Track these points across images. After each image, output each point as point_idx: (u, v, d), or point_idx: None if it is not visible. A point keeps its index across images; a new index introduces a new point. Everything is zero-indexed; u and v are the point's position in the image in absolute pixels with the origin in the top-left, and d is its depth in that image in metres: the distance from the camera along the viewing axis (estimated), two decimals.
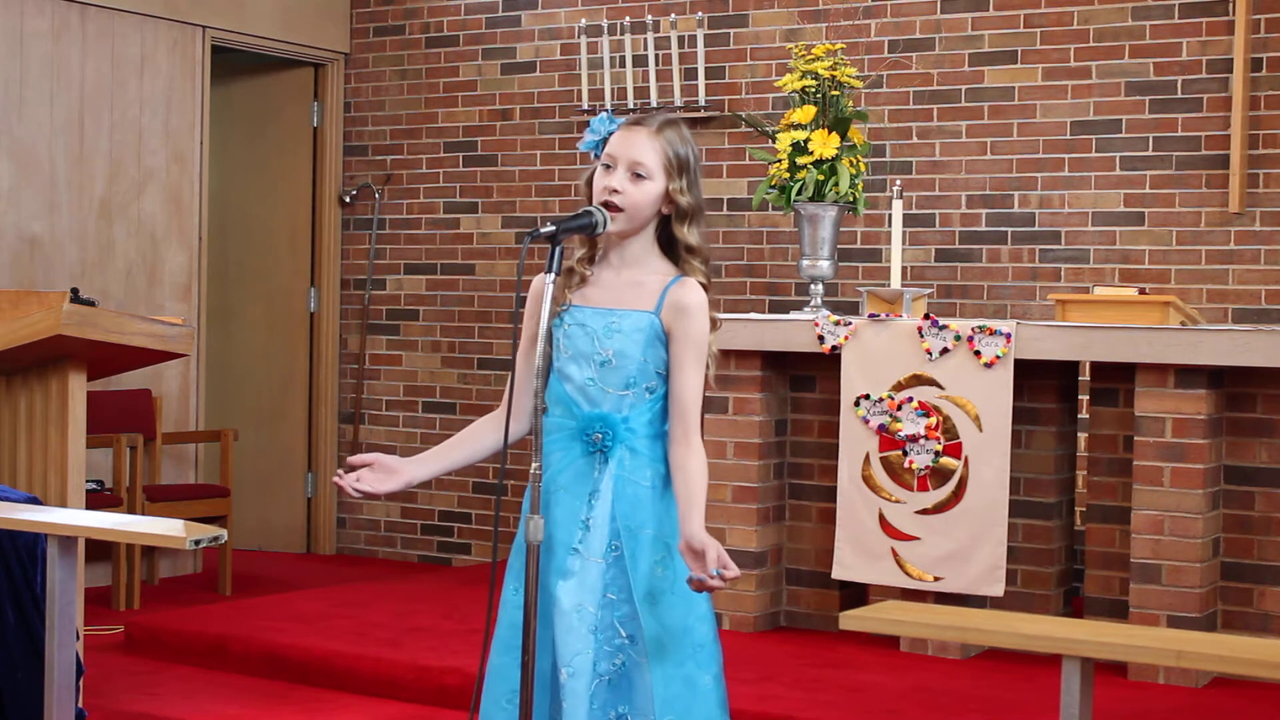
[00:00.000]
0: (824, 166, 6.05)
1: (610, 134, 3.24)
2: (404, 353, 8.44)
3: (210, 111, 8.02)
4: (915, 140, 7.12)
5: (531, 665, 2.97)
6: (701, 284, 3.20)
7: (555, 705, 3.13)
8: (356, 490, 3.17)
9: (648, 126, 3.20)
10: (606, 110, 3.30)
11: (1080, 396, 6.16)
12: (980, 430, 5.60)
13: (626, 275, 3.21)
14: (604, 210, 3.17)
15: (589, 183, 3.23)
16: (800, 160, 6.07)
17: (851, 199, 6.12)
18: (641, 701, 3.11)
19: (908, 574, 5.71)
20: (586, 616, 3.11)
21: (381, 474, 3.20)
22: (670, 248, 3.24)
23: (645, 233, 3.22)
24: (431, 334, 8.35)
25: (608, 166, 3.19)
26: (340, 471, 3.19)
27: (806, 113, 6.11)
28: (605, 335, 3.17)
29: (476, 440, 3.32)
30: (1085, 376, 6.13)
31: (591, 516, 3.14)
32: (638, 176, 3.16)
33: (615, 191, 3.16)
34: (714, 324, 3.21)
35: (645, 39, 7.63)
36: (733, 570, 3.01)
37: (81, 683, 4.64)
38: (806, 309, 6.20)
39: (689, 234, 3.21)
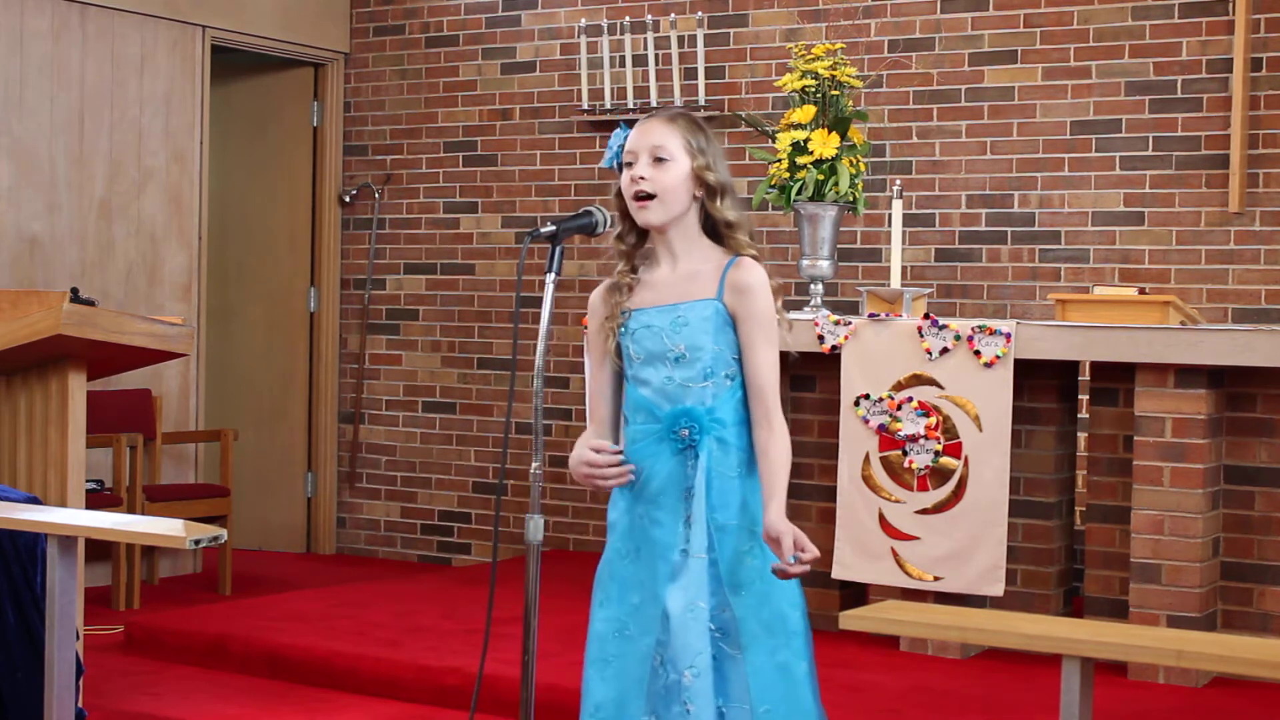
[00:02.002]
0: (824, 166, 6.05)
1: (626, 139, 3.25)
2: (404, 352, 8.44)
3: (210, 111, 8.02)
4: (915, 140, 7.12)
5: (532, 665, 2.98)
6: (754, 257, 3.20)
7: (659, 711, 3.12)
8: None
9: (659, 117, 3.24)
10: (622, 124, 3.31)
11: (1080, 396, 6.16)
12: (980, 430, 5.60)
13: (682, 268, 3.22)
14: (604, 210, 3.18)
15: (619, 195, 3.23)
16: (800, 160, 6.07)
17: (851, 199, 6.12)
18: (736, 692, 3.11)
19: (908, 574, 5.71)
20: (700, 614, 3.11)
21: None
22: (714, 231, 3.24)
23: (686, 221, 3.22)
24: (431, 334, 8.35)
25: (630, 164, 3.20)
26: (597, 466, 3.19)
27: (806, 112, 6.11)
28: (673, 330, 3.17)
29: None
30: (1085, 376, 6.13)
31: (691, 513, 3.14)
32: (660, 160, 3.17)
33: (642, 179, 3.16)
34: (777, 295, 3.20)
35: (645, 39, 7.63)
36: (810, 552, 3.01)
37: (81, 683, 4.64)
38: (806, 309, 6.20)
39: (724, 210, 3.21)
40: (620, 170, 3.23)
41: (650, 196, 3.15)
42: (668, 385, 3.17)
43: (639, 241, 3.25)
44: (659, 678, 3.12)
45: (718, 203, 3.20)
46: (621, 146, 3.24)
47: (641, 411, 3.20)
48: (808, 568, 3.03)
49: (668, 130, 3.19)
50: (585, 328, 3.32)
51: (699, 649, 3.09)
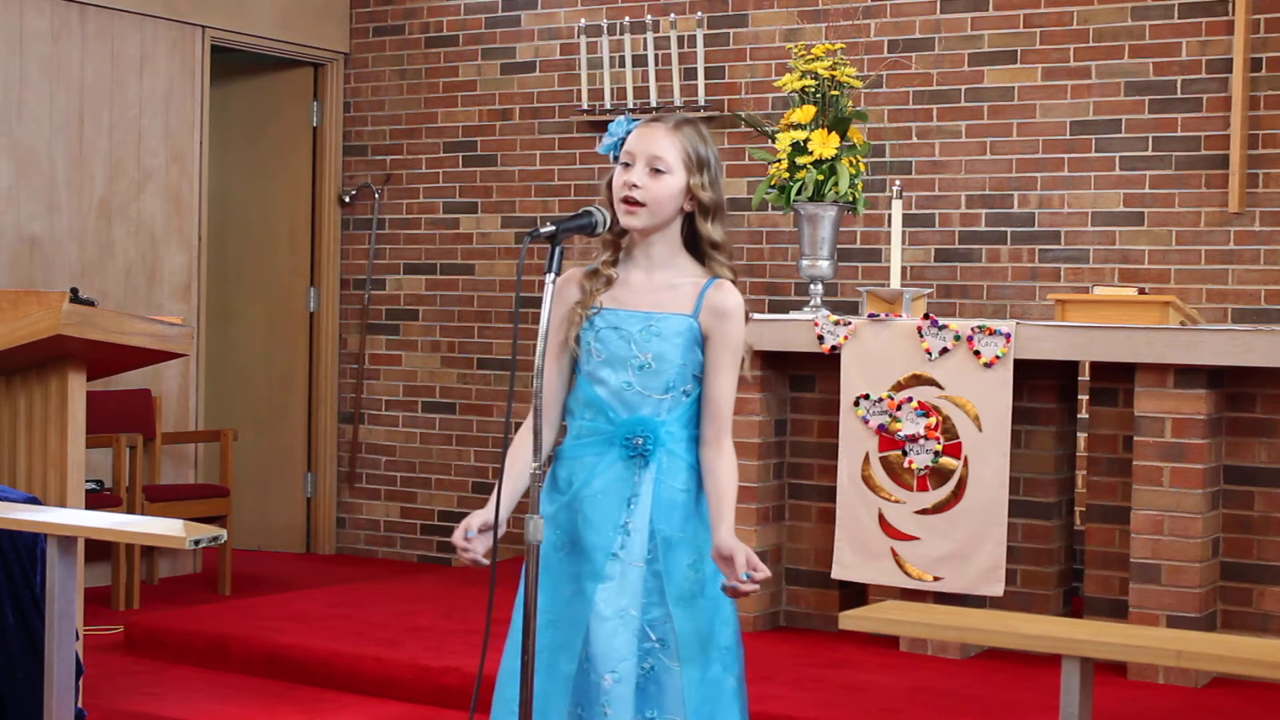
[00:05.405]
0: (824, 166, 6.06)
1: (628, 134, 3.23)
2: (404, 352, 8.44)
3: (210, 111, 8.02)
4: (915, 140, 7.12)
5: (531, 665, 2.97)
6: (732, 280, 3.20)
7: (582, 709, 3.12)
8: (483, 561, 3.13)
9: (665, 123, 3.20)
10: (624, 113, 3.30)
11: (1080, 396, 6.16)
12: (980, 430, 5.60)
13: (659, 277, 3.20)
14: (603, 210, 3.16)
15: (609, 185, 3.21)
16: (800, 160, 6.07)
17: (851, 199, 6.12)
18: (672, 705, 3.11)
19: (907, 574, 5.72)
20: (630, 621, 3.10)
21: (484, 537, 3.14)
22: (694, 246, 3.23)
23: (670, 231, 3.20)
24: (431, 334, 8.35)
25: (626, 165, 3.18)
26: (466, 544, 3.13)
27: (806, 113, 6.11)
28: (643, 339, 3.15)
29: (524, 464, 3.22)
30: (1085, 376, 6.13)
31: (631, 521, 3.13)
32: (657, 171, 3.15)
33: (635, 186, 3.14)
34: (746, 320, 3.21)
35: (645, 39, 7.63)
36: (763, 572, 3.01)
37: (81, 683, 4.64)
38: (806, 309, 6.20)
39: (713, 230, 3.20)
40: (616, 161, 3.22)
41: (639, 204, 3.15)
42: (626, 391, 3.15)
43: (625, 233, 3.23)
44: (585, 674, 3.11)
45: (709, 222, 3.19)
46: (622, 140, 3.22)
47: (592, 409, 3.18)
48: (758, 587, 3.03)
49: (670, 140, 3.16)
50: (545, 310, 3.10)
51: (624, 655, 3.08)
